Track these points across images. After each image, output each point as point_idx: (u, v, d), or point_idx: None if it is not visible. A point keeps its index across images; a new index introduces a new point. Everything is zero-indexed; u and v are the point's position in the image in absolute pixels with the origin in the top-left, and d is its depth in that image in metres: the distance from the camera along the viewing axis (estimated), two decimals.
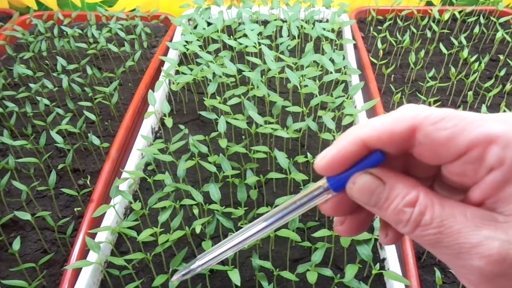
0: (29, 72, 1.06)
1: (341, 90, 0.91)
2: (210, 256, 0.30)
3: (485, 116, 0.22)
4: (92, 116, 0.93)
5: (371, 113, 1.00)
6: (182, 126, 0.87)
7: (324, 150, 0.26)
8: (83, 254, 0.71)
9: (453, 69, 1.06)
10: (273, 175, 0.75)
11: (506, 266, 0.21)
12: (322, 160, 0.26)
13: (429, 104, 1.03)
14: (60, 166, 0.86)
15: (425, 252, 0.74)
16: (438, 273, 0.65)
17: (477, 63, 1.07)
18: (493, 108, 1.03)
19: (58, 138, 0.86)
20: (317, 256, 0.64)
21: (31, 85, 1.02)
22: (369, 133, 0.24)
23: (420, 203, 0.23)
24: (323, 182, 0.26)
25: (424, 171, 0.26)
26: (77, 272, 0.68)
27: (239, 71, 0.97)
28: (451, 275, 0.71)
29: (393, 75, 1.16)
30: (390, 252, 0.70)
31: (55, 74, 1.09)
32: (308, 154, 0.79)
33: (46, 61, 1.18)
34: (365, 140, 0.24)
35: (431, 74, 1.07)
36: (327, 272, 0.63)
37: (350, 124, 0.91)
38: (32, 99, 1.04)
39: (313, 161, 0.78)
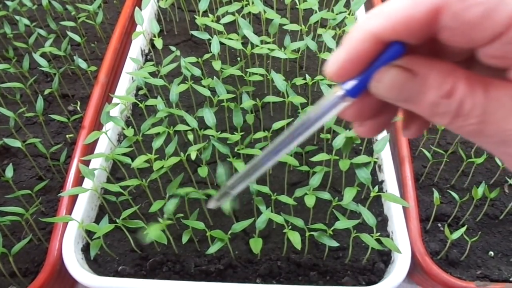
0: None
1: (342, 5, 0.84)
2: (237, 176, 0.29)
3: None
4: (76, 38, 0.87)
5: None
6: (173, 48, 0.82)
7: (332, 54, 0.23)
8: (79, 180, 0.71)
9: None
10: (270, 98, 0.72)
11: None
12: (333, 65, 0.22)
13: None
14: (47, 91, 0.82)
15: (423, 173, 0.74)
16: (436, 194, 0.65)
17: None
18: None
19: (42, 62, 0.81)
20: (315, 180, 0.63)
21: (8, 2, 0.95)
22: (380, 24, 0.20)
23: (459, 92, 0.20)
24: (338, 89, 0.23)
25: (456, 56, 0.23)
26: (74, 198, 0.68)
27: None
28: (448, 195, 0.71)
29: None
30: (388, 174, 0.69)
31: None
32: (307, 76, 0.75)
33: None
34: (377, 34, 0.21)
35: None
36: (325, 195, 0.63)
37: None
38: (11, 19, 0.96)
39: (311, 83, 0.75)
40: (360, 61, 0.22)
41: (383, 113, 0.25)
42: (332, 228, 0.59)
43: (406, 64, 0.21)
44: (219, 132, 0.68)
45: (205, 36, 0.81)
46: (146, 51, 0.93)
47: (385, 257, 0.64)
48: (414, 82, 0.21)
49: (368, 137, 0.29)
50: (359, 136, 0.26)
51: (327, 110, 0.24)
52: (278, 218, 0.60)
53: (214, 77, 0.73)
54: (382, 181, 0.71)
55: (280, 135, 0.26)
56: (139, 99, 0.83)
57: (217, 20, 0.84)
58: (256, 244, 0.59)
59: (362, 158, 0.65)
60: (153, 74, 0.77)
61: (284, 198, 0.62)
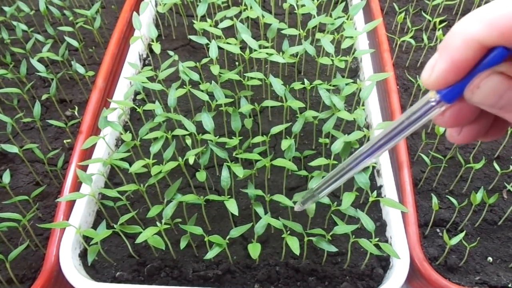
0: None
1: (340, 10, 0.84)
2: (324, 180, 0.30)
3: None
4: (74, 43, 0.87)
5: (373, 35, 0.94)
6: (171, 52, 0.82)
7: (428, 63, 0.22)
8: (76, 186, 0.70)
9: None
10: (269, 103, 0.72)
11: None
12: (431, 76, 0.22)
13: (434, 25, 0.96)
14: (44, 97, 0.81)
15: (422, 178, 0.74)
16: (434, 199, 0.65)
17: None
18: None
19: (40, 67, 0.81)
20: (313, 184, 0.63)
21: (5, 8, 0.95)
22: (485, 30, 0.20)
23: None
24: (432, 95, 0.23)
25: None
26: (71, 203, 0.67)
27: None
28: (447, 200, 0.71)
29: None
30: (387, 179, 0.69)
31: None
32: (305, 80, 0.75)
33: None
34: (481, 41, 0.20)
35: None
36: (324, 200, 0.63)
37: (350, 48, 0.86)
38: (8, 24, 0.96)
39: (310, 88, 0.75)
40: (461, 69, 0.21)
41: (480, 119, 0.24)
42: (330, 233, 0.59)
43: (508, 71, 0.21)
44: (218, 137, 0.68)
45: (203, 40, 0.81)
46: (144, 56, 0.93)
47: (383, 263, 0.64)
48: None
49: (464, 143, 0.29)
50: (457, 144, 0.26)
51: (421, 116, 0.24)
52: (277, 223, 0.60)
53: (213, 82, 0.73)
54: (381, 186, 0.71)
55: (370, 141, 0.26)
56: (137, 104, 0.83)
57: (215, 25, 0.84)
58: (254, 249, 0.58)
59: None
60: (151, 79, 0.77)
61: (280, 198, 0.61)
